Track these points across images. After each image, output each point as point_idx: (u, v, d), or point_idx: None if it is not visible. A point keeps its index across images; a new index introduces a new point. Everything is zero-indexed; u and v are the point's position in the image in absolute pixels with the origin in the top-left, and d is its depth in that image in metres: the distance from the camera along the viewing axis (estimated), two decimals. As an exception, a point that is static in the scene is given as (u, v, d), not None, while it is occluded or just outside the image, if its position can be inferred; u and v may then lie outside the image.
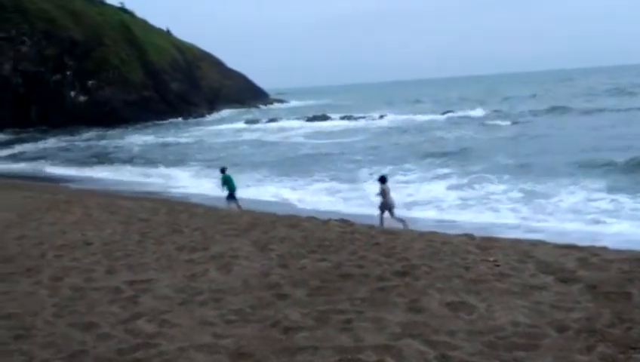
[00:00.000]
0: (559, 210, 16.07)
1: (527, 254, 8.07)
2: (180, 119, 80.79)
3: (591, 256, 7.78)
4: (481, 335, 5.22)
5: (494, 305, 5.94)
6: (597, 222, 14.46)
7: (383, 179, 14.68)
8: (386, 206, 14.18)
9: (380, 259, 8.06)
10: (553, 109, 54.83)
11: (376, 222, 13.22)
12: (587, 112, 50.51)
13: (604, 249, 8.55)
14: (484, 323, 5.49)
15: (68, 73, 73.81)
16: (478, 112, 58.80)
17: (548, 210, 16.24)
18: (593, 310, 5.71)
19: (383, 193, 14.28)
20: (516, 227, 14.16)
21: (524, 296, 6.23)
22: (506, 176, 21.61)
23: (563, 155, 26.37)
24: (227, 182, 17.92)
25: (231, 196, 17.70)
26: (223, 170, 18.46)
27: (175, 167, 33.06)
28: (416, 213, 16.88)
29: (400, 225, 13.09)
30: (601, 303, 5.89)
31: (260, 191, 22.78)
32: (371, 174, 25.19)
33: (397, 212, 14.20)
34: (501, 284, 6.63)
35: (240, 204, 17.32)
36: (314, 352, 5.03)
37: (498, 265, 7.48)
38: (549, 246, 8.83)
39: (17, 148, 50.02)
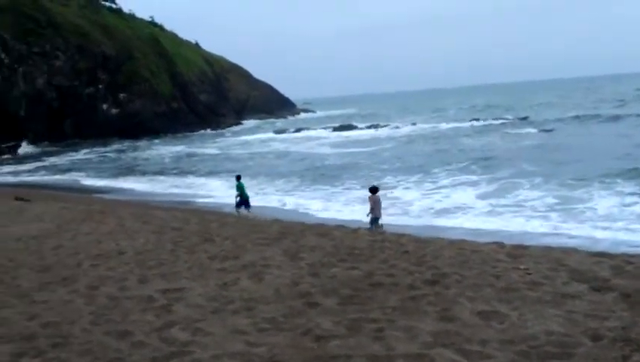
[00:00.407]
0: (591, 217, 15.89)
1: (559, 262, 7.97)
2: (208, 130, 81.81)
3: (625, 264, 7.66)
4: (513, 344, 5.18)
5: (527, 314, 5.89)
6: (630, 229, 14.24)
7: (373, 190, 14.59)
8: (374, 215, 14.26)
9: (410, 267, 8.05)
10: (580, 116, 54.29)
11: (409, 231, 13.24)
12: (614, 119, 49.90)
13: (639, 256, 8.41)
14: (516, 332, 5.45)
15: (100, 86, 75.27)
16: (505, 120, 58.48)
17: (580, 217, 16.07)
18: (628, 319, 5.63)
19: (373, 203, 14.34)
20: (547, 234, 14.03)
21: (557, 304, 6.16)
22: (536, 183, 21.44)
23: (593, 162, 26.03)
24: (240, 190, 18.47)
25: (242, 203, 18.21)
26: (238, 178, 19.00)
27: (204, 178, 33.49)
28: (446, 221, 16.85)
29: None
30: (636, 312, 5.81)
31: (282, 199, 23.00)
32: (398, 181, 25.20)
33: (380, 222, 14.30)
34: (533, 293, 6.57)
35: (251, 211, 18.08)
36: (346, 360, 5.06)
37: (530, 274, 7.41)
38: (581, 254, 8.71)
39: (52, 160, 51.12)
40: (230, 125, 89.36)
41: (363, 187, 24.21)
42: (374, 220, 14.22)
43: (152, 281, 8.14)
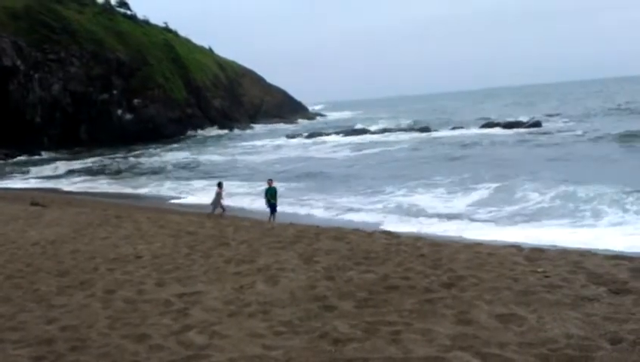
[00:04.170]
0: (604, 223, 15.86)
1: (577, 265, 7.90)
2: (221, 134, 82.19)
3: (644, 267, 7.57)
4: (532, 347, 5.14)
5: (545, 317, 5.84)
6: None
7: (219, 185, 20.32)
8: (215, 204, 19.52)
9: (426, 270, 8.02)
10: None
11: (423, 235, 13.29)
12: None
13: (658, 259, 8.31)
14: (535, 335, 5.40)
15: (115, 92, 75.85)
16: (518, 121, 57.97)
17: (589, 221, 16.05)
18: (648, 322, 5.57)
19: (217, 195, 19.67)
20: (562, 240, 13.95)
21: (575, 307, 6.11)
22: (548, 187, 21.36)
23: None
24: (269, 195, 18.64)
25: (272, 207, 18.62)
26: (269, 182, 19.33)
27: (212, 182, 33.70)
28: (443, 226, 16.84)
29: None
30: (656, 315, 5.74)
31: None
32: (404, 183, 25.17)
33: (219, 210, 19.54)
34: (551, 296, 6.52)
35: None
36: (363, 364, 5.05)
37: (548, 276, 7.35)
38: (599, 256, 8.64)
39: (66, 166, 51.46)
40: (244, 129, 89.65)
41: (360, 192, 24.33)
42: (216, 206, 19.57)
43: (169, 285, 8.17)
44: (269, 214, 18.44)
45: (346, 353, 5.29)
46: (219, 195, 19.93)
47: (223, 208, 19.77)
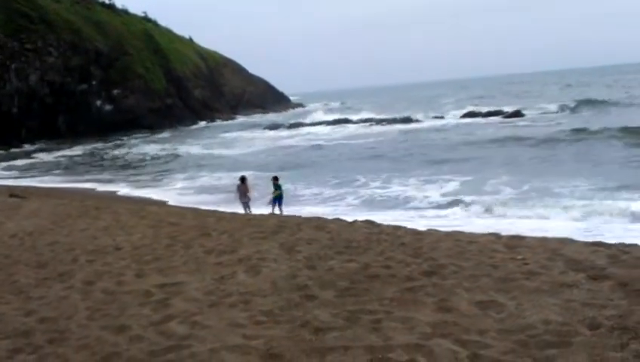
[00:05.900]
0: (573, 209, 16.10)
1: (555, 252, 7.97)
2: (202, 125, 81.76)
3: (621, 254, 7.66)
4: (512, 333, 5.19)
5: (524, 304, 5.89)
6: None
7: (242, 179, 18.50)
8: (245, 199, 17.95)
9: (407, 259, 8.03)
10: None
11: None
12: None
13: (635, 246, 8.43)
14: (514, 322, 5.45)
15: (94, 83, 75.06)
16: (499, 110, 58.47)
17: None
18: (625, 307, 5.63)
19: (242, 189, 17.99)
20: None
21: (554, 293, 6.16)
22: (524, 178, 21.60)
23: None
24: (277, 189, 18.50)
25: (275, 201, 18.33)
26: (275, 178, 18.84)
27: (189, 175, 33.55)
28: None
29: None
30: (634, 300, 5.80)
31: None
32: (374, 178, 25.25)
33: (250, 205, 18.00)
34: (530, 282, 6.57)
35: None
36: (344, 352, 5.04)
37: (527, 264, 7.41)
38: (578, 243, 8.71)
39: (40, 157, 50.89)
40: (225, 120, 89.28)
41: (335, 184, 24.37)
42: (247, 202, 18.05)
43: (149, 276, 8.11)
44: (272, 206, 18.36)
45: (326, 341, 5.29)
46: (240, 189, 18.18)
47: (247, 202, 18.12)
